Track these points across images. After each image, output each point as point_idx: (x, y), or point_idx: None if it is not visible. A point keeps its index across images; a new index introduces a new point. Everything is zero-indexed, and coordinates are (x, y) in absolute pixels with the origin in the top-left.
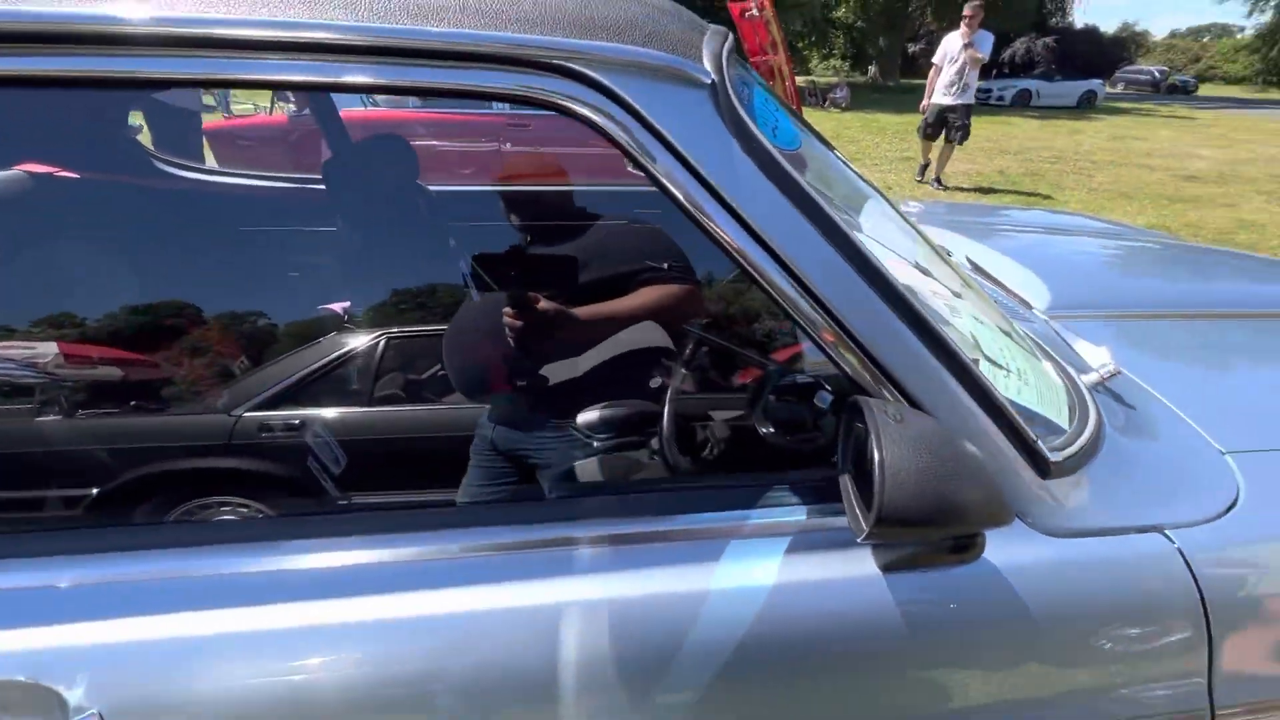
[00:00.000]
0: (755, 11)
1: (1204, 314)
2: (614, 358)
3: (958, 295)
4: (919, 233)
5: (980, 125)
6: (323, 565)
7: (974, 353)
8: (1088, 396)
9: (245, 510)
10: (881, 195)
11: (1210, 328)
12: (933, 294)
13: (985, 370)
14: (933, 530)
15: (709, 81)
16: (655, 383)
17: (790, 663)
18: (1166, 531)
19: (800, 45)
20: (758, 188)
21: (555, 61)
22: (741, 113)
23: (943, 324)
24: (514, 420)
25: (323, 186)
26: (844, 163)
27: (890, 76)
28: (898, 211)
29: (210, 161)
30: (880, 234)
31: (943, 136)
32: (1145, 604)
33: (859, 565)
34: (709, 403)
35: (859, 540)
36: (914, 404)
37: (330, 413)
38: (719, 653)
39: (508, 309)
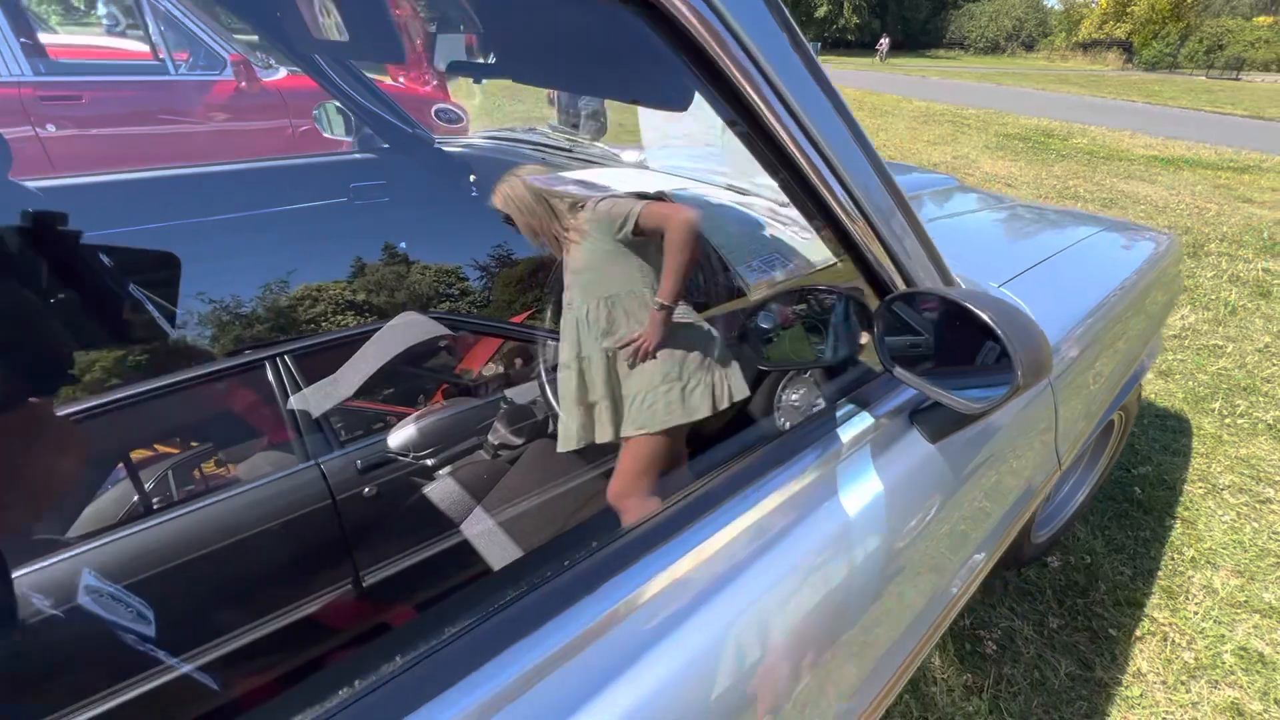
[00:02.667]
0: None
1: None
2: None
3: None
4: None
5: None
6: None
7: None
8: None
9: None
10: None
11: None
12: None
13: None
14: (1034, 381)
15: None
16: (486, 370)
17: (919, 521)
18: None
19: None
20: (809, 88)
21: None
22: (786, 12)
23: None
24: None
25: None
26: None
27: None
28: None
29: None
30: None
31: None
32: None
33: (917, 445)
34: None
35: (984, 410)
36: None
37: None
38: (881, 536)
39: None
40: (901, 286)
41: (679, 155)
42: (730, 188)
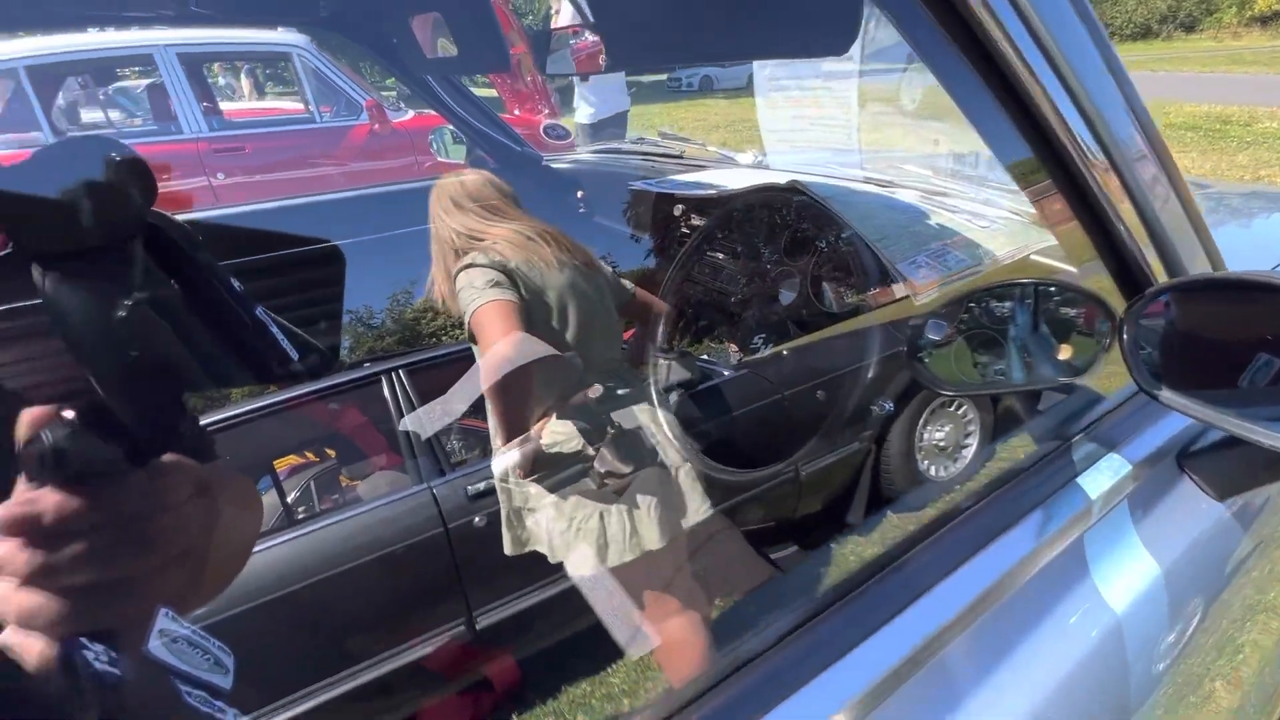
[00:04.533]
0: None
1: None
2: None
3: None
4: None
5: (682, 109)
6: None
7: None
8: None
9: None
10: None
11: None
12: None
13: None
14: None
15: None
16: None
17: (1212, 614)
18: None
19: None
20: (1089, 57)
21: None
22: None
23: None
24: None
25: None
26: None
27: None
28: None
29: None
30: None
31: None
32: None
33: (1196, 502)
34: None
35: None
36: None
37: None
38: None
39: None
40: (1162, 278)
41: (807, 157)
42: (869, 181)
